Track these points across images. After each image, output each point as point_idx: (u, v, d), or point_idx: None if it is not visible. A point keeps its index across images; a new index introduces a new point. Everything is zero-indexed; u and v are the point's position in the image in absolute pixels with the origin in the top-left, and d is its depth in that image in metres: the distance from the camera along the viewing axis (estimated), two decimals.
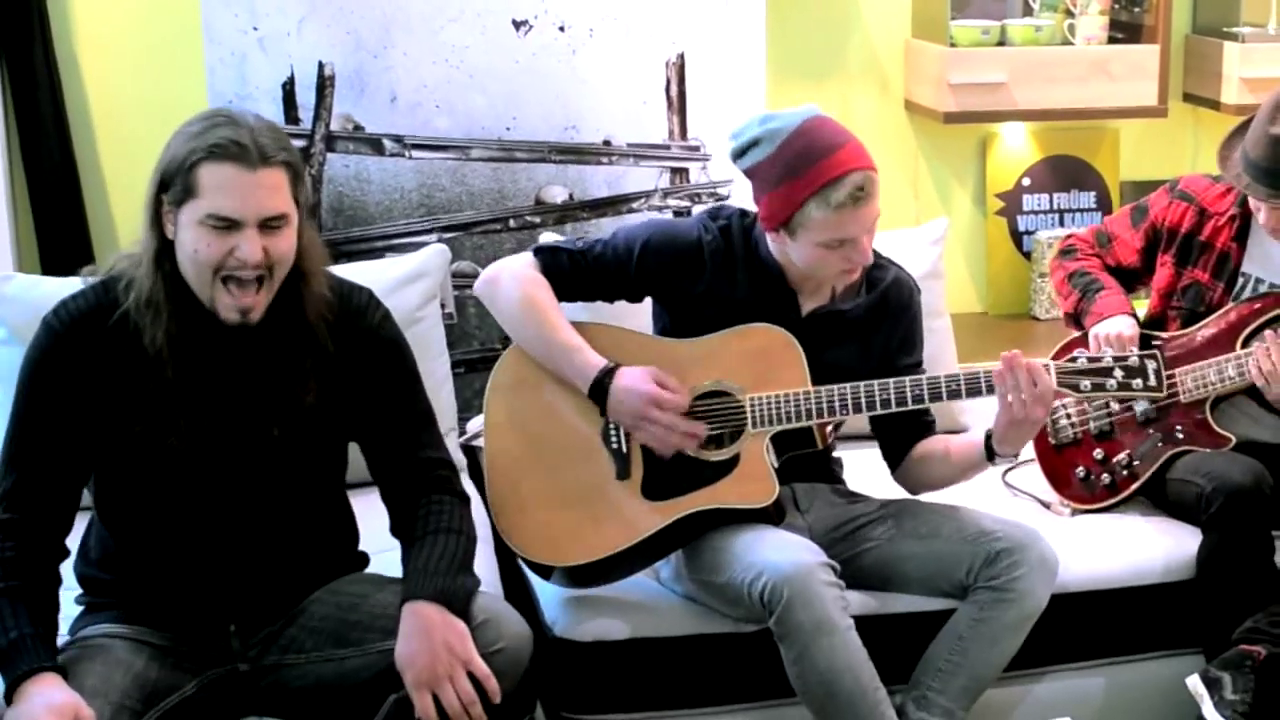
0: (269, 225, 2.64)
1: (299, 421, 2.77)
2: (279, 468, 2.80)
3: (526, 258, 3.23)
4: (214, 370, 2.72)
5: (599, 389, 3.10)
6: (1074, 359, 3.14)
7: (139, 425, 2.71)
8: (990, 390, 3.09)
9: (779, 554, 3.00)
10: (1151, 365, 3.10)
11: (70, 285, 2.90)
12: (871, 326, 3.24)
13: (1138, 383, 3.10)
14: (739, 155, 3.12)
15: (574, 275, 3.21)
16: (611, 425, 3.14)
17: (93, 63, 4.41)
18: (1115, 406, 3.61)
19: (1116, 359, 3.11)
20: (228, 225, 2.61)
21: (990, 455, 3.15)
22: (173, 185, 2.63)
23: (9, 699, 2.54)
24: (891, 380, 3.12)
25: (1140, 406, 3.57)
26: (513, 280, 3.19)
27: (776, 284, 3.19)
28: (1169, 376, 3.46)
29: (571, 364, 3.13)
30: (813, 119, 3.07)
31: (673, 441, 3.10)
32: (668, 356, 3.16)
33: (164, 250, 2.68)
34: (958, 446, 3.23)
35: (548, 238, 3.81)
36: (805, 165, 3.01)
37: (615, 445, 3.14)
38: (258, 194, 2.62)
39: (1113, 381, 3.10)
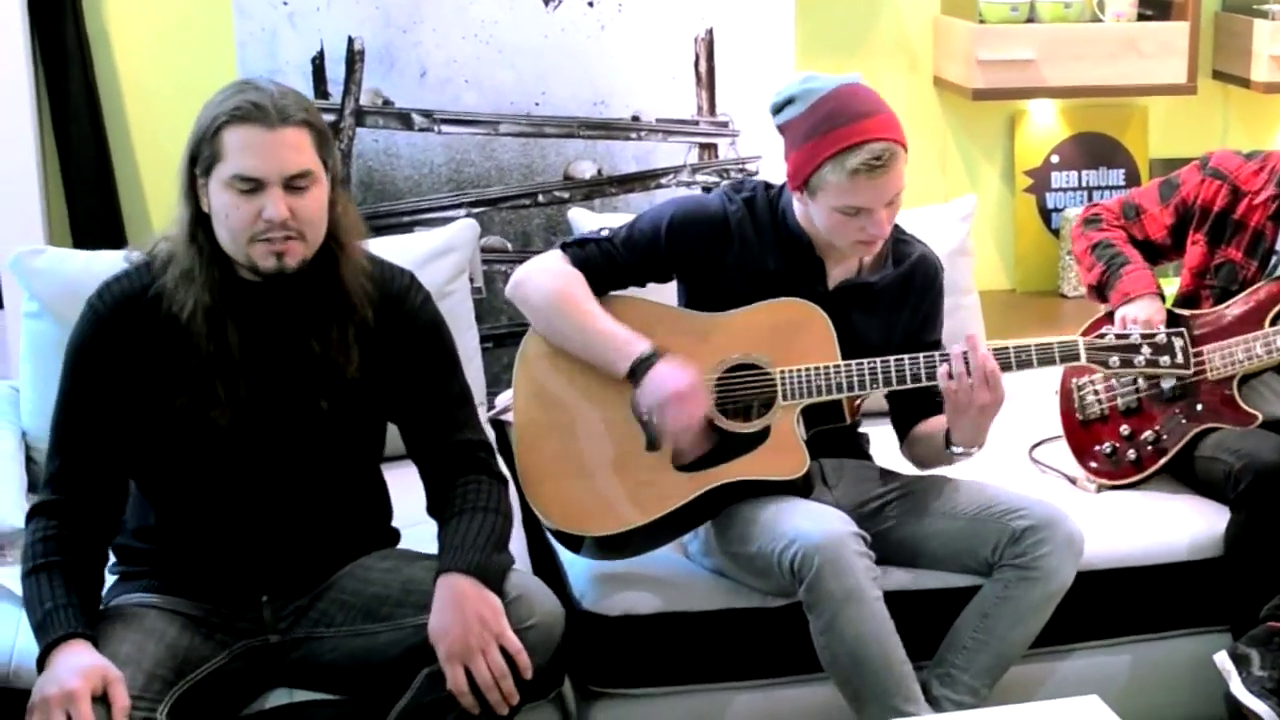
0: (294, 185, 2.66)
1: (345, 395, 2.79)
2: (324, 442, 2.82)
3: (555, 254, 3.21)
4: (253, 342, 2.73)
5: (635, 375, 3.07)
6: (1102, 335, 3.15)
7: (181, 399, 2.72)
8: (1022, 364, 3.12)
9: (810, 523, 3.01)
10: (1179, 343, 3.11)
11: (100, 259, 2.92)
12: (898, 300, 3.25)
13: (1165, 360, 3.12)
14: (776, 111, 3.14)
15: (606, 265, 3.19)
16: None
17: (123, 38, 4.42)
18: (1142, 383, 3.61)
19: (1144, 336, 3.13)
20: (253, 186, 2.64)
21: (948, 444, 3.15)
22: (201, 154, 2.67)
23: (41, 667, 2.57)
24: (921, 354, 3.13)
25: (1167, 383, 3.57)
26: (544, 276, 3.17)
27: (804, 255, 3.19)
28: (1197, 354, 3.47)
29: (617, 350, 3.10)
30: (850, 85, 3.08)
31: (679, 443, 3.09)
32: (697, 329, 3.17)
33: (199, 221, 2.70)
34: (927, 432, 3.24)
35: (577, 213, 3.82)
36: (829, 128, 3.02)
37: (646, 416, 3.14)
38: (279, 152, 2.64)
39: (1140, 358, 3.11)
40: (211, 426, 2.73)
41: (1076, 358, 3.13)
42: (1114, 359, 3.12)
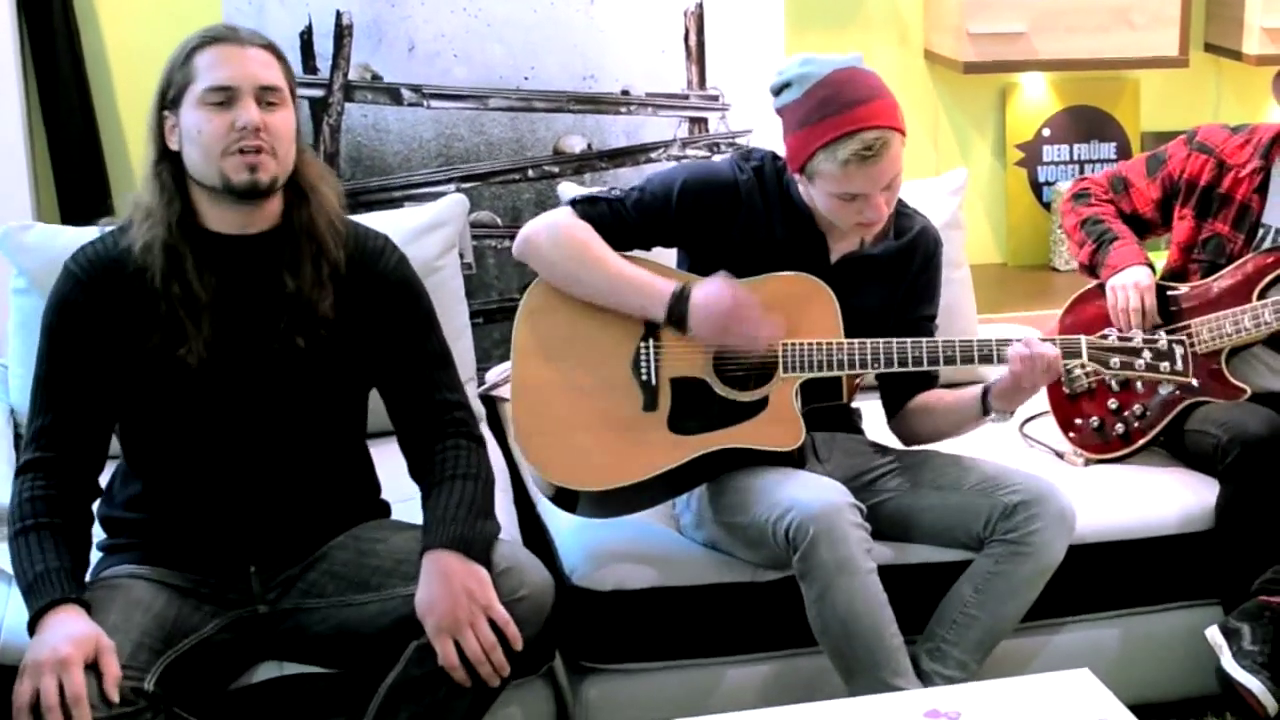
0: (265, 101, 2.71)
1: (321, 334, 2.79)
2: (304, 389, 2.81)
3: (564, 210, 3.20)
4: (218, 279, 2.74)
5: (675, 315, 3.09)
6: (1105, 335, 3.17)
7: (154, 340, 2.73)
8: None
9: (807, 492, 3.01)
10: (1179, 350, 3.12)
11: (88, 235, 2.91)
12: (898, 271, 3.25)
13: (1164, 366, 3.12)
14: (775, 93, 3.13)
15: (615, 224, 3.17)
16: (642, 355, 3.14)
17: (110, 12, 4.40)
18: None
19: (1146, 341, 3.14)
20: (225, 98, 2.68)
21: (986, 410, 3.16)
22: (172, 84, 2.73)
23: (33, 631, 2.57)
24: (924, 339, 3.13)
25: (1165, 389, 3.56)
26: (560, 229, 3.15)
27: (807, 228, 3.19)
28: (1185, 327, 3.48)
29: (647, 294, 3.11)
30: (846, 70, 3.06)
31: (763, 337, 3.09)
32: None
33: (163, 158, 2.75)
34: (954, 400, 3.24)
35: (566, 188, 3.81)
36: (821, 116, 3.02)
37: (645, 376, 3.14)
38: (250, 65, 2.71)
39: (1140, 362, 3.12)
40: (183, 368, 2.73)
41: (1078, 355, 3.13)
42: (1115, 360, 3.13)
